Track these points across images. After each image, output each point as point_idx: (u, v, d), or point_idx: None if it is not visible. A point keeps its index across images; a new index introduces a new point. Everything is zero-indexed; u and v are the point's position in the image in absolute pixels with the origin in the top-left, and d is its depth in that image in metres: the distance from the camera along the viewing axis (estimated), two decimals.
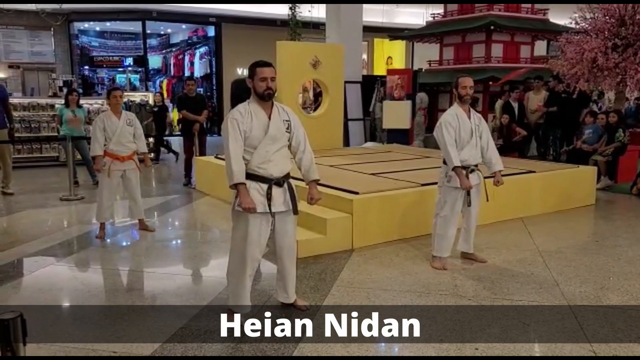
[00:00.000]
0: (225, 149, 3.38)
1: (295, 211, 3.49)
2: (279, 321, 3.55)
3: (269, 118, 3.41)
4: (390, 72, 11.87)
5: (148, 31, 17.83)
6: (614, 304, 3.86)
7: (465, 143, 4.53)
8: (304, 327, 3.45)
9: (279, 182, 3.43)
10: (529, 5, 12.56)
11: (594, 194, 7.28)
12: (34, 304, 3.84)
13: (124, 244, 5.58)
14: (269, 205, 3.38)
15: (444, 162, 4.59)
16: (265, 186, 3.39)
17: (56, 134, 10.53)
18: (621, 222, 6.38)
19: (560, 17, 12.36)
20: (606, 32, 8.80)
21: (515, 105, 10.14)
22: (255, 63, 3.47)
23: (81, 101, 9.26)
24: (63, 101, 11.10)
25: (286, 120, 3.48)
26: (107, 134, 5.51)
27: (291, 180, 3.51)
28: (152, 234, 5.75)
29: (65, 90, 12.67)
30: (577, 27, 9.19)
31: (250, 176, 3.38)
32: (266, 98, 3.41)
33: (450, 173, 4.49)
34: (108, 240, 5.67)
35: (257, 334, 3.35)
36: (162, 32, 20.41)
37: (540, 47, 15.43)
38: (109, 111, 5.62)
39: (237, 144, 3.34)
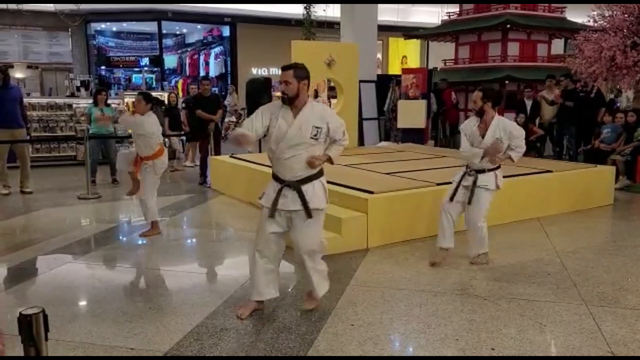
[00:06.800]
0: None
1: (308, 214, 3.46)
2: (294, 320, 3.58)
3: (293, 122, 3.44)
4: (405, 71, 11.83)
5: (164, 31, 17.98)
6: (632, 305, 3.81)
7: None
8: (319, 325, 3.47)
9: (291, 185, 3.46)
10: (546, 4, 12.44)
11: (612, 193, 7.20)
12: (53, 301, 3.89)
13: (141, 242, 5.62)
14: (276, 202, 3.45)
15: (481, 171, 4.59)
16: (279, 186, 3.47)
17: (74, 133, 10.71)
18: None
19: (578, 15, 12.21)
20: (625, 30, 8.69)
21: (528, 104, 10.07)
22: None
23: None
24: (79, 101, 11.32)
25: (317, 127, 3.42)
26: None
27: (309, 186, 3.47)
28: (167, 233, 5.80)
29: (82, 90, 12.85)
30: (595, 25, 9.08)
31: (273, 176, 3.55)
32: (282, 101, 3.46)
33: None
34: (124, 238, 5.74)
35: (273, 332, 3.38)
36: (177, 32, 20.56)
37: (558, 46, 15.26)
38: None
39: (250, 124, 3.46)
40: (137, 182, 5.80)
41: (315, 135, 3.42)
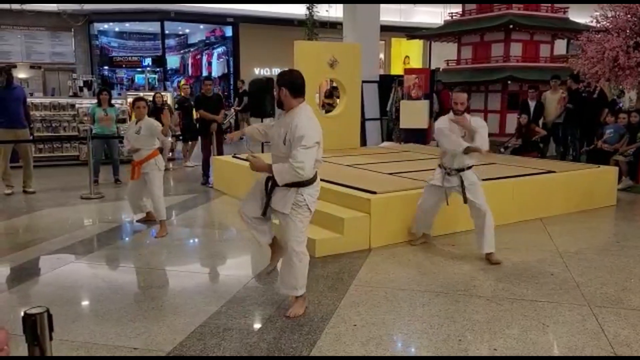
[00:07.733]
0: None
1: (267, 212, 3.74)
2: (297, 320, 3.58)
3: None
4: (408, 71, 11.82)
5: (166, 31, 18.00)
6: (635, 306, 3.81)
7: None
8: (322, 325, 3.47)
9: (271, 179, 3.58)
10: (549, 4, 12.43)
11: (615, 194, 7.18)
12: (56, 301, 3.90)
13: (144, 242, 5.63)
14: (266, 190, 3.63)
15: (461, 170, 4.72)
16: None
17: (77, 133, 10.73)
18: None
19: (580, 15, 12.20)
20: (628, 31, 8.68)
21: (532, 104, 10.06)
22: None
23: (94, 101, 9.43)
24: (82, 101, 11.33)
25: (285, 132, 3.43)
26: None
27: (283, 188, 3.52)
28: (170, 233, 5.81)
29: (85, 90, 12.86)
30: (598, 25, 9.07)
31: None
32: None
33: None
34: (127, 238, 5.75)
35: (276, 331, 3.38)
36: (180, 33, 20.58)
37: (560, 46, 15.24)
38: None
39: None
40: (164, 226, 5.75)
41: (284, 141, 3.45)
